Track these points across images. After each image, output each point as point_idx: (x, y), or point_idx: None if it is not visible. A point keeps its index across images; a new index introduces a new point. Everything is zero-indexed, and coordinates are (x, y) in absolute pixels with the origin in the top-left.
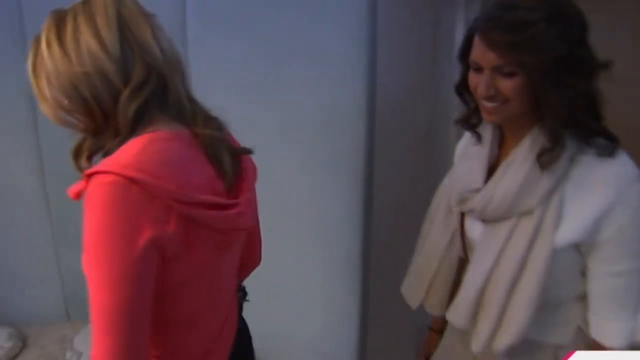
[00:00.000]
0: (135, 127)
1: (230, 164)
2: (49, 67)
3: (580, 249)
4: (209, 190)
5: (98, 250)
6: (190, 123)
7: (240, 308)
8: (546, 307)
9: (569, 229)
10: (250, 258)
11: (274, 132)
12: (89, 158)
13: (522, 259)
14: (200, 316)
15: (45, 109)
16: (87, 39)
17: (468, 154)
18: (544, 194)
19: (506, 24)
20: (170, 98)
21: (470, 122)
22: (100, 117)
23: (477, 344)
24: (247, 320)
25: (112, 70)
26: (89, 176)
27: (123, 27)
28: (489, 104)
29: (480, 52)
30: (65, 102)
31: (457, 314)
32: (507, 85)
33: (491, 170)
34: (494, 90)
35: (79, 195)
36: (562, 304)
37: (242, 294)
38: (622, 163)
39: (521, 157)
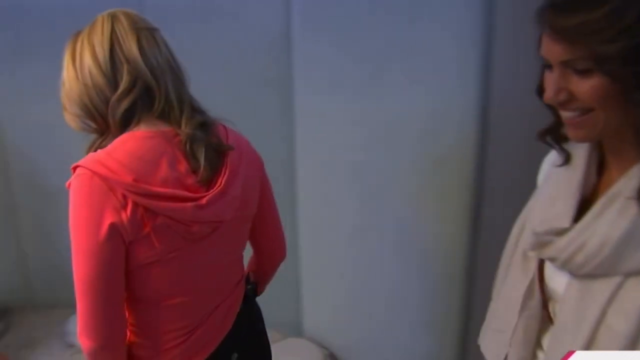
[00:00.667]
0: (124, 127)
1: (208, 160)
2: (66, 83)
3: None
4: (176, 183)
5: (73, 231)
6: (175, 123)
7: (249, 301)
8: None
9: None
10: (268, 250)
11: (378, 136)
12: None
13: (633, 336)
14: (170, 298)
15: (67, 118)
16: (86, 58)
17: (554, 178)
18: None
19: (572, 3)
20: (156, 101)
21: (556, 135)
22: (101, 121)
23: None
24: (339, 329)
25: (103, 82)
26: (73, 169)
27: (113, 44)
28: (567, 114)
29: (546, 43)
30: (78, 111)
31: None
32: (582, 87)
33: (584, 206)
34: (567, 95)
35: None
36: None
37: (251, 287)
38: None
39: (629, 191)
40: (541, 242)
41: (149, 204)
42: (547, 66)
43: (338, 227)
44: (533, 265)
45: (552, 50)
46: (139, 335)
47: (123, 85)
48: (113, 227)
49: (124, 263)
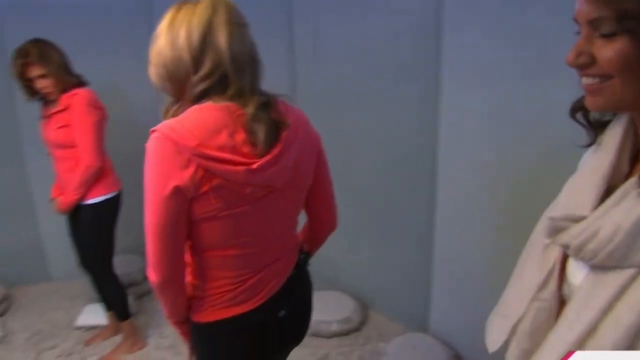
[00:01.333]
0: (196, 102)
1: (266, 135)
2: (158, 43)
3: None
4: (232, 150)
5: (146, 184)
6: (242, 105)
7: (301, 268)
8: None
9: None
10: (321, 219)
11: (528, 133)
12: (173, 117)
13: (635, 329)
14: (224, 249)
15: (152, 72)
16: (181, 33)
17: (585, 166)
18: None
19: None
20: (230, 89)
21: (586, 113)
22: (178, 89)
23: None
24: (467, 330)
25: (189, 61)
26: (151, 133)
27: (207, 32)
28: (586, 80)
29: (579, 3)
30: (163, 72)
31: None
32: (604, 51)
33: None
34: (588, 58)
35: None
36: None
37: (304, 256)
38: None
39: None
40: (556, 228)
41: (207, 165)
42: (578, 32)
43: (477, 225)
44: (553, 257)
45: (582, 9)
46: (195, 277)
47: (204, 70)
48: (177, 185)
49: (186, 215)
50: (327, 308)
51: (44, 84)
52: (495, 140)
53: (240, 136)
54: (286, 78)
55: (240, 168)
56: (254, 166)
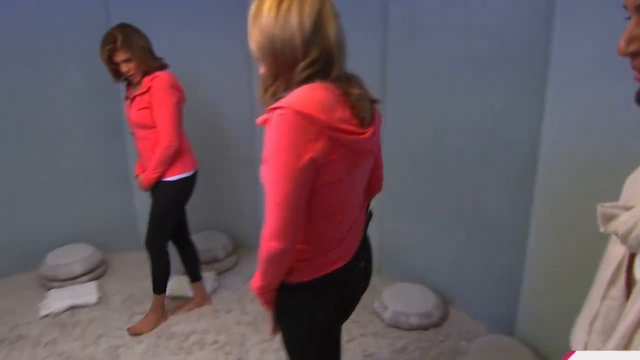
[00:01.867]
0: (302, 84)
1: (368, 110)
2: (262, 21)
3: None
4: (348, 123)
5: (277, 159)
6: (344, 86)
7: (366, 224)
8: None
9: None
10: (375, 183)
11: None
12: (273, 96)
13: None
14: (336, 212)
15: (253, 46)
16: (292, 18)
17: None
18: None
19: None
20: (333, 72)
21: None
22: (279, 70)
23: None
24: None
25: (299, 46)
26: (273, 110)
27: (318, 21)
28: (636, 72)
29: None
30: (266, 47)
31: None
32: None
33: None
34: (638, 46)
35: (265, 123)
36: None
37: (368, 213)
38: None
39: None
40: (607, 215)
41: (336, 136)
42: (628, 18)
43: (577, 226)
44: (620, 253)
45: None
46: (307, 242)
47: (312, 55)
48: (310, 157)
49: (311, 184)
50: (408, 300)
51: (128, 68)
52: (609, 138)
53: (347, 112)
54: (377, 63)
55: (360, 137)
56: (367, 135)
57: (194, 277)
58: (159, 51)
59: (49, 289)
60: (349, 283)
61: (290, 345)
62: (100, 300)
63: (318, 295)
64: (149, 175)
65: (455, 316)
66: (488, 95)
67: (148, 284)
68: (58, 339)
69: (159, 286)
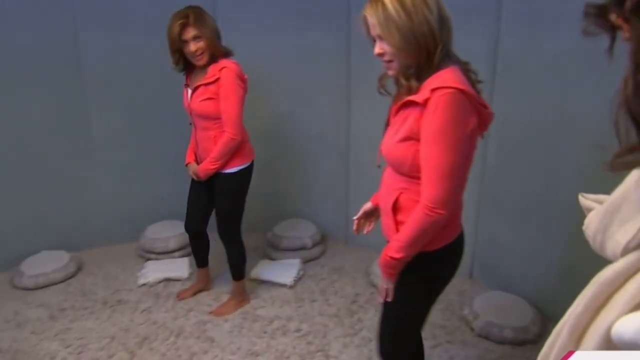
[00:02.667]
0: (438, 67)
1: (477, 86)
2: (397, 23)
3: None
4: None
5: (446, 133)
6: (464, 66)
7: None
8: None
9: (635, 319)
10: None
11: None
12: (417, 79)
13: (579, 329)
14: (466, 180)
15: (392, 45)
16: (420, 8)
17: None
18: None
19: None
20: (450, 53)
21: None
22: (420, 58)
23: None
24: None
25: (435, 32)
26: (434, 90)
27: (440, 10)
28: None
29: None
30: (405, 44)
31: None
32: None
33: None
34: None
35: (425, 102)
36: None
37: None
38: None
39: None
40: (586, 207)
41: (481, 112)
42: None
43: None
44: None
45: None
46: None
47: (443, 40)
48: (470, 129)
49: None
50: (502, 311)
51: (197, 47)
52: None
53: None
54: (486, 50)
55: (488, 111)
56: (491, 111)
57: (204, 263)
58: (258, 39)
59: (147, 260)
60: (463, 248)
61: (404, 312)
62: (191, 276)
63: (443, 260)
64: (208, 166)
65: None
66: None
67: None
68: (152, 308)
69: (239, 273)
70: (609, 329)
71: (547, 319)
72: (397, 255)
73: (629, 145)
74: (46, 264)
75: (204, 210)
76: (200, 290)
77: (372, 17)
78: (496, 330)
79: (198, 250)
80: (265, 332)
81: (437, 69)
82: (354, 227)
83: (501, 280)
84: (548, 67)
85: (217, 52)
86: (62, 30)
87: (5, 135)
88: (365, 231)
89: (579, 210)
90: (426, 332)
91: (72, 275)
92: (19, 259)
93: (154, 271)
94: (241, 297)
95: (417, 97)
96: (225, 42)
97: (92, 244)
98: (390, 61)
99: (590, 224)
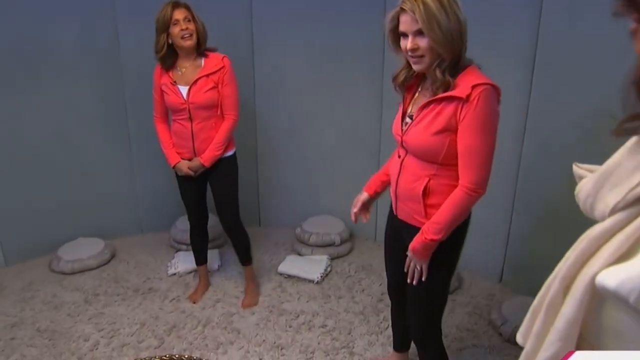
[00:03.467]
0: (464, 66)
1: None
2: (439, 20)
3: None
4: None
5: (489, 124)
6: (472, 62)
7: None
8: None
9: (619, 269)
10: None
11: None
12: (450, 75)
13: (568, 278)
14: None
15: (432, 40)
16: (459, 12)
17: None
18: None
19: None
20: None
21: None
22: (454, 56)
23: None
24: None
25: (464, 30)
26: (474, 86)
27: (462, 10)
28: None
29: None
30: (446, 41)
31: (521, 327)
32: None
33: None
34: None
35: (468, 97)
36: None
37: None
38: None
39: None
40: (578, 175)
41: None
42: None
43: None
44: None
45: None
46: None
47: (465, 40)
48: (498, 119)
49: None
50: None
51: (188, 25)
52: None
53: None
54: (528, 43)
55: None
56: None
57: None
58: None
59: (177, 250)
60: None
61: (437, 283)
62: (220, 268)
63: (462, 234)
64: (214, 153)
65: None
66: None
67: (265, 258)
68: (181, 297)
69: (250, 257)
70: (594, 277)
71: None
72: (437, 237)
73: (633, 113)
74: (82, 250)
75: (203, 205)
76: (206, 289)
77: (412, 12)
78: None
79: (202, 247)
80: (290, 327)
81: (464, 66)
82: (353, 218)
83: (531, 285)
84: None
85: (204, 43)
86: (103, 20)
87: (46, 124)
88: (364, 220)
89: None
90: (453, 335)
91: (106, 262)
92: (57, 245)
93: (184, 262)
94: (257, 281)
95: (458, 93)
96: (257, 36)
97: (125, 233)
98: (421, 56)
99: (584, 188)
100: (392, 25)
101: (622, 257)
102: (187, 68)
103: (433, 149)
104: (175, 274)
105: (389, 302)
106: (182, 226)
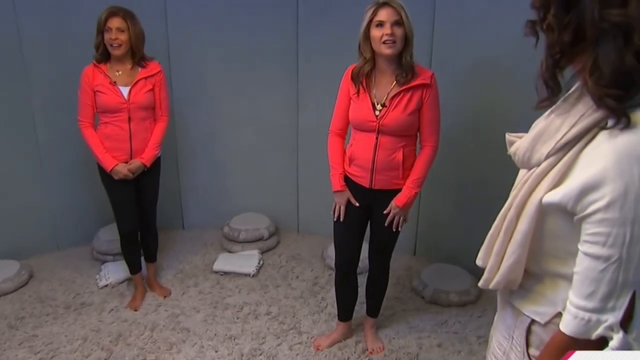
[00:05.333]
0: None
1: None
2: (407, 14)
3: (574, 222)
4: None
5: (439, 98)
6: None
7: None
8: (533, 276)
9: (557, 190)
10: None
11: None
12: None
13: (521, 206)
14: None
15: (409, 29)
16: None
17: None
18: (557, 146)
19: None
20: None
21: None
22: (411, 44)
23: (481, 280)
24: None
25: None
26: (432, 75)
27: None
28: None
29: None
30: (411, 30)
31: (479, 253)
32: None
33: None
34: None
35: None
36: (548, 277)
37: None
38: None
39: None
40: (509, 141)
41: None
42: None
43: None
44: (522, 173)
45: None
46: None
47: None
48: None
49: None
50: (446, 280)
51: (118, 36)
52: None
53: None
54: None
55: None
56: None
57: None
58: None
59: (104, 262)
60: None
61: (398, 231)
62: (155, 275)
63: None
64: (154, 152)
65: (490, 294)
66: None
67: (196, 259)
68: (119, 307)
69: (155, 255)
70: (540, 200)
71: None
72: (419, 189)
73: (543, 97)
74: None
75: (136, 209)
76: (144, 295)
77: (393, 7)
78: (443, 295)
79: (136, 253)
80: (238, 318)
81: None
82: (340, 214)
83: (441, 254)
84: (477, 66)
85: (139, 52)
86: (5, 30)
87: None
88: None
89: (506, 188)
90: (384, 305)
91: (25, 284)
92: None
93: (114, 272)
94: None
95: (423, 80)
96: (173, 40)
97: (42, 251)
98: (394, 42)
99: (521, 147)
100: (370, 17)
101: (556, 184)
102: (124, 71)
103: (409, 125)
104: (107, 285)
105: (323, 284)
106: (105, 237)
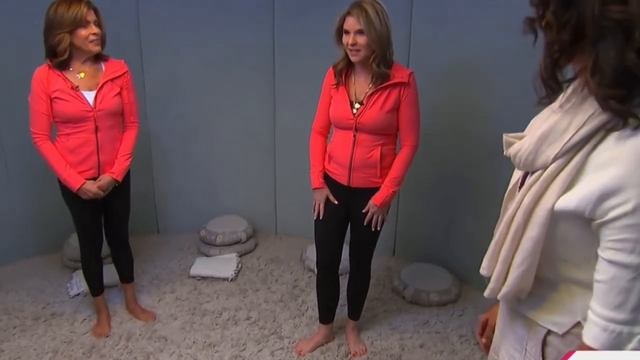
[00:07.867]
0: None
1: None
2: (375, 22)
3: (592, 227)
4: None
5: (418, 97)
6: None
7: None
8: (544, 283)
9: (571, 195)
10: None
11: None
12: (385, 67)
13: (529, 212)
14: None
15: (373, 37)
16: (387, 21)
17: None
18: (564, 148)
19: None
20: None
21: None
22: (382, 51)
23: (486, 290)
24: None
25: (391, 35)
26: (410, 74)
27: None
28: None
29: None
30: (379, 37)
31: (483, 263)
32: None
33: None
34: None
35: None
36: (562, 284)
37: None
38: None
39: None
40: (507, 142)
41: None
42: None
43: None
44: (518, 174)
45: None
46: None
47: (391, 41)
48: None
49: None
50: (426, 279)
51: (97, 30)
52: None
53: None
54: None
55: None
56: None
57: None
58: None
59: (75, 269)
60: None
61: (378, 232)
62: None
63: None
64: (124, 164)
65: (470, 293)
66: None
67: (172, 264)
68: (93, 317)
69: (132, 274)
70: (551, 205)
71: (463, 282)
72: (397, 188)
73: (543, 95)
74: None
75: (101, 227)
76: (110, 318)
77: (357, 17)
78: (424, 295)
79: (100, 274)
80: (217, 324)
81: (392, 62)
82: (320, 212)
83: (419, 253)
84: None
85: (102, 52)
86: None
87: None
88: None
89: (483, 187)
90: (365, 306)
91: None
92: None
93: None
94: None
95: (400, 79)
96: (145, 42)
97: (8, 260)
98: (358, 50)
99: (523, 148)
100: (339, 24)
101: (567, 188)
102: (87, 72)
103: (387, 124)
104: (79, 294)
105: (303, 287)
106: (77, 243)
